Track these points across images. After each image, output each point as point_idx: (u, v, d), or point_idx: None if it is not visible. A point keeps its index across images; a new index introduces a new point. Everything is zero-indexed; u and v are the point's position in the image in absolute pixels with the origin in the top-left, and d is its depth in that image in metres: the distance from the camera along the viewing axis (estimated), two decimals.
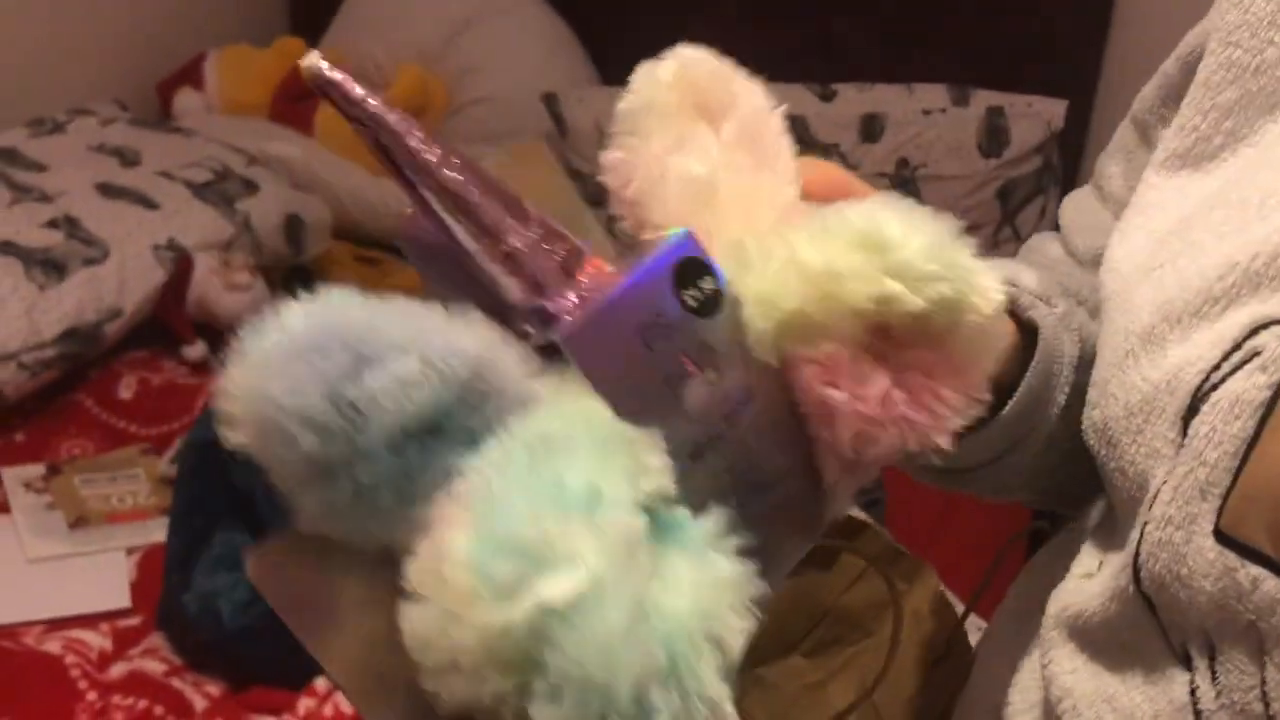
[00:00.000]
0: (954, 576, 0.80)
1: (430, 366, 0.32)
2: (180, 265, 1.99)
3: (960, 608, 0.79)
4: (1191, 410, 0.47)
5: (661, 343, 0.38)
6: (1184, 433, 0.47)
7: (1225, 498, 0.45)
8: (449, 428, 0.32)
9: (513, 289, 0.38)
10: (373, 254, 2.39)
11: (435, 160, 0.38)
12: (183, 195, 2.10)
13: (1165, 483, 0.48)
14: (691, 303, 0.38)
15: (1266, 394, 0.44)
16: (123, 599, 1.51)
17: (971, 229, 0.41)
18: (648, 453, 0.34)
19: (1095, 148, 2.18)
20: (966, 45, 2.22)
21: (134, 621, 1.48)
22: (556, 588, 0.29)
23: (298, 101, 2.52)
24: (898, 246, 0.37)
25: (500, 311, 0.38)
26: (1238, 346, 0.46)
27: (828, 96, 2.21)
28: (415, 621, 0.31)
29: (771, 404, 0.40)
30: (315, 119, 2.49)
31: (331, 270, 2.28)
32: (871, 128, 2.17)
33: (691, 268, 0.38)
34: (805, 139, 2.17)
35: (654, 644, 0.30)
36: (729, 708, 0.32)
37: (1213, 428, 0.46)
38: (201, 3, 2.69)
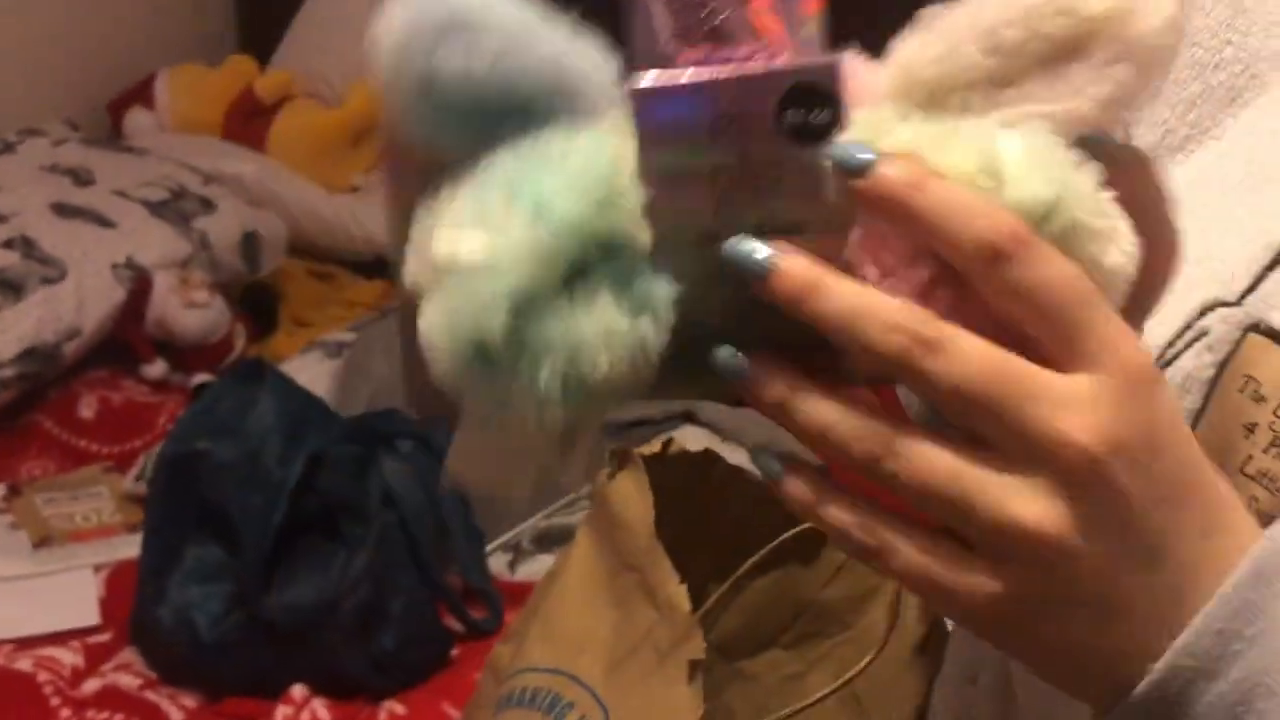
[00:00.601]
0: None
1: (508, 70, 0.36)
2: (138, 284, 1.99)
3: None
4: None
5: (729, 139, 0.36)
6: None
7: None
8: (528, 112, 0.37)
9: (664, 29, 0.38)
10: (327, 269, 2.40)
11: None
12: (139, 214, 2.10)
13: None
14: (789, 122, 0.36)
15: (1212, 371, 0.49)
16: (92, 616, 1.51)
17: None
18: (627, 218, 0.36)
19: None
20: None
21: (105, 638, 1.48)
22: (465, 245, 0.35)
23: (250, 119, 2.53)
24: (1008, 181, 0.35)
25: (650, 47, 0.38)
26: (1189, 326, 0.50)
27: None
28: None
29: (823, 244, 0.38)
30: (268, 135, 2.50)
31: (288, 286, 2.29)
32: None
33: (813, 94, 0.36)
34: None
35: (511, 333, 0.35)
36: (552, 414, 0.36)
37: None
38: (151, 22, 2.68)
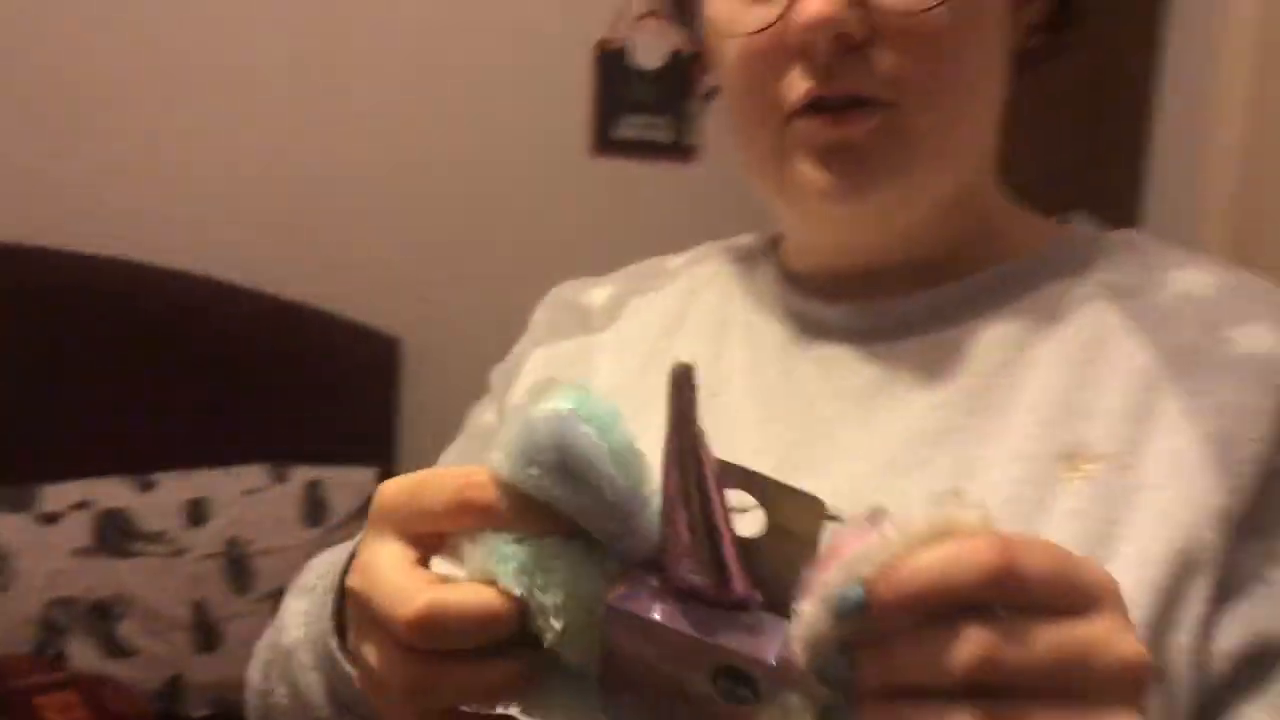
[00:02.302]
0: None
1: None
2: None
3: None
4: None
5: (673, 670, 0.42)
6: None
7: None
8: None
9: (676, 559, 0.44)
10: None
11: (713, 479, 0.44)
12: None
13: None
14: (721, 685, 0.42)
15: None
16: None
17: None
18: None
19: None
20: (281, 428, 2.41)
21: None
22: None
23: None
24: None
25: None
26: None
27: (149, 486, 2.26)
28: None
29: None
30: None
31: None
32: (197, 511, 2.25)
33: (740, 672, 0.41)
34: (129, 530, 2.18)
35: None
36: None
37: None
38: None
